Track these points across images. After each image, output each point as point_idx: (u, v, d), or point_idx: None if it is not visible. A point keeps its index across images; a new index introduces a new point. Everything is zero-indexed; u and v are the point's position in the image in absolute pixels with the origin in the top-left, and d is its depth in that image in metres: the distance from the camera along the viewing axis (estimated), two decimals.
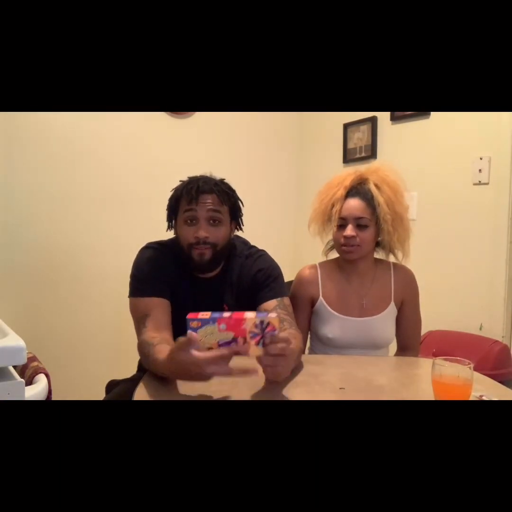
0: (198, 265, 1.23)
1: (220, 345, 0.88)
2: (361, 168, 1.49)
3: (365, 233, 1.39)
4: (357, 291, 1.46)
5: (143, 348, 1.10)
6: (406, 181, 1.47)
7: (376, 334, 1.43)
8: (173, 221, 1.29)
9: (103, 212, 2.36)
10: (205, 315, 0.90)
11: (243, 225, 1.33)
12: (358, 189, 1.41)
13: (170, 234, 1.36)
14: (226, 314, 0.90)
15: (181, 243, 1.24)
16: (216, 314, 0.90)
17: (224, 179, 1.29)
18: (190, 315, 0.90)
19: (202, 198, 1.20)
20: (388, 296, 1.46)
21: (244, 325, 0.87)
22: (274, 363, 0.89)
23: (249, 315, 0.89)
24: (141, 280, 1.23)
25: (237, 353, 0.88)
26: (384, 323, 1.44)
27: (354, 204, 1.39)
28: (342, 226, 1.40)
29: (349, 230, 1.38)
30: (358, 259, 1.43)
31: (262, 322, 0.87)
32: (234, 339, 0.88)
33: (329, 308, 1.44)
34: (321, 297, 1.45)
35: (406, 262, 1.48)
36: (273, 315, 0.90)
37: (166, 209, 1.29)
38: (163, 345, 1.02)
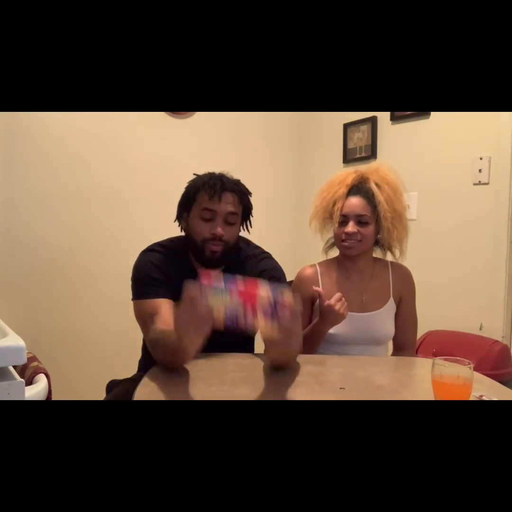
0: (208, 260, 1.24)
1: (227, 314, 0.83)
2: (361, 167, 1.53)
3: (366, 229, 1.42)
4: (357, 287, 1.48)
5: (153, 340, 1.11)
6: (406, 181, 1.50)
7: (377, 329, 1.45)
8: (186, 213, 1.29)
9: (103, 212, 2.36)
10: (218, 278, 0.85)
11: (251, 227, 1.34)
12: (359, 187, 1.45)
13: (170, 234, 1.36)
14: (240, 284, 0.85)
15: (194, 236, 1.25)
16: (230, 280, 0.85)
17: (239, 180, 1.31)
18: (203, 278, 0.85)
19: (225, 197, 1.22)
20: (387, 292, 1.48)
21: (257, 302, 0.83)
22: (285, 338, 0.89)
23: (263, 292, 0.84)
24: (144, 283, 1.23)
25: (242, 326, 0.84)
26: (384, 318, 1.46)
27: (356, 201, 1.43)
28: (343, 222, 1.43)
29: (351, 227, 1.41)
30: (358, 256, 1.46)
31: (276, 302, 0.83)
32: (243, 311, 0.83)
33: None
34: None
35: (402, 260, 1.51)
36: (287, 294, 0.85)
37: (180, 199, 1.30)
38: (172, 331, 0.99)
